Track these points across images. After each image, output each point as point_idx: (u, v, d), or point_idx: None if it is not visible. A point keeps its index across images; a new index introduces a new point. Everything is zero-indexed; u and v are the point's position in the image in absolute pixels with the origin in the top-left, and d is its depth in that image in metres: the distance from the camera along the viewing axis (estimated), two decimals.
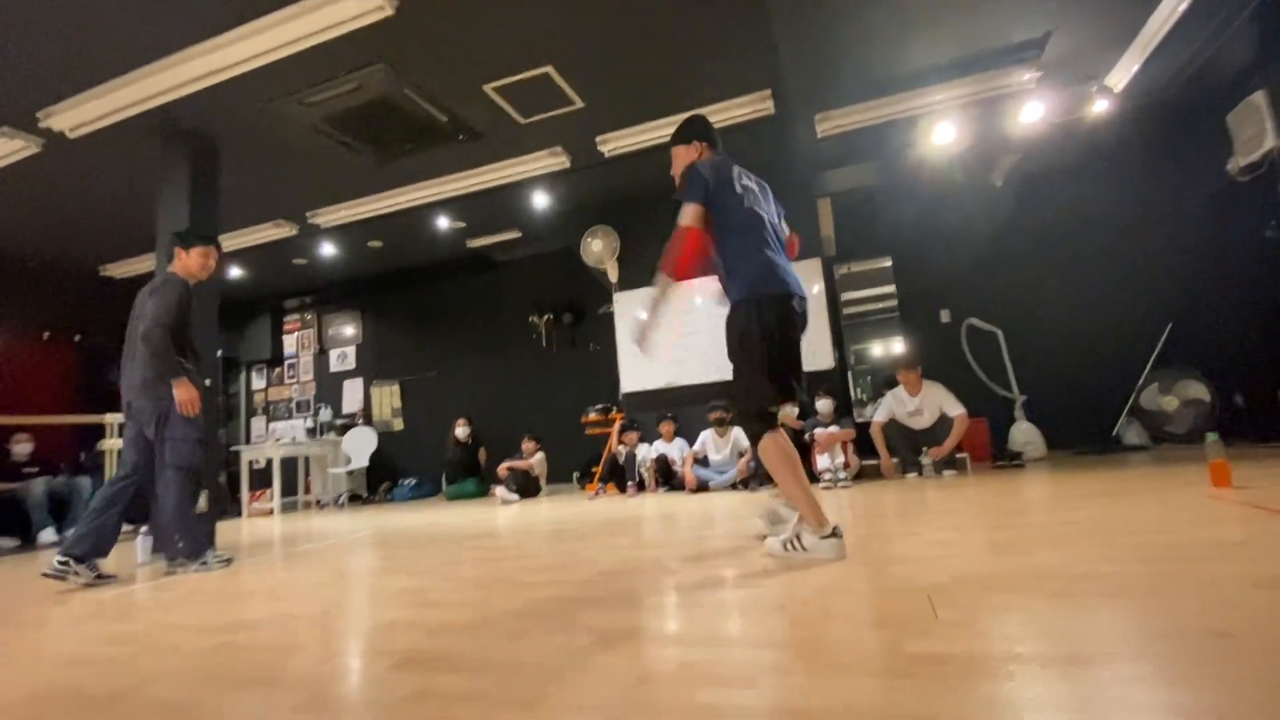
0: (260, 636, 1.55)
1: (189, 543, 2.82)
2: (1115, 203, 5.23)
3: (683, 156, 2.26)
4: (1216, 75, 4.32)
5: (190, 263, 2.97)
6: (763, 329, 1.97)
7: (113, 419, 5.33)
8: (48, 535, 4.94)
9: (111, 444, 5.21)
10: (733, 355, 2.04)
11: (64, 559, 2.57)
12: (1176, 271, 4.98)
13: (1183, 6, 3.56)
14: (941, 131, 4.68)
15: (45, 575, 2.59)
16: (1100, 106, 4.47)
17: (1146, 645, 0.99)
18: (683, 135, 2.27)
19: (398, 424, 7.99)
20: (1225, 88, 4.33)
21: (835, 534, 1.88)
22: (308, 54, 3.47)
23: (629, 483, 5.17)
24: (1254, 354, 4.52)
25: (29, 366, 6.29)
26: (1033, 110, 4.47)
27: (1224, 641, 0.96)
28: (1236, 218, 4.56)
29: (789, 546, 1.94)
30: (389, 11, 3.19)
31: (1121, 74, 4.26)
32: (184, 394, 2.79)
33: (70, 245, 5.93)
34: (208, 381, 3.12)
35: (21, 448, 5.29)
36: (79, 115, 3.82)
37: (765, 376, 1.97)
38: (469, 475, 6.47)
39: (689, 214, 2.04)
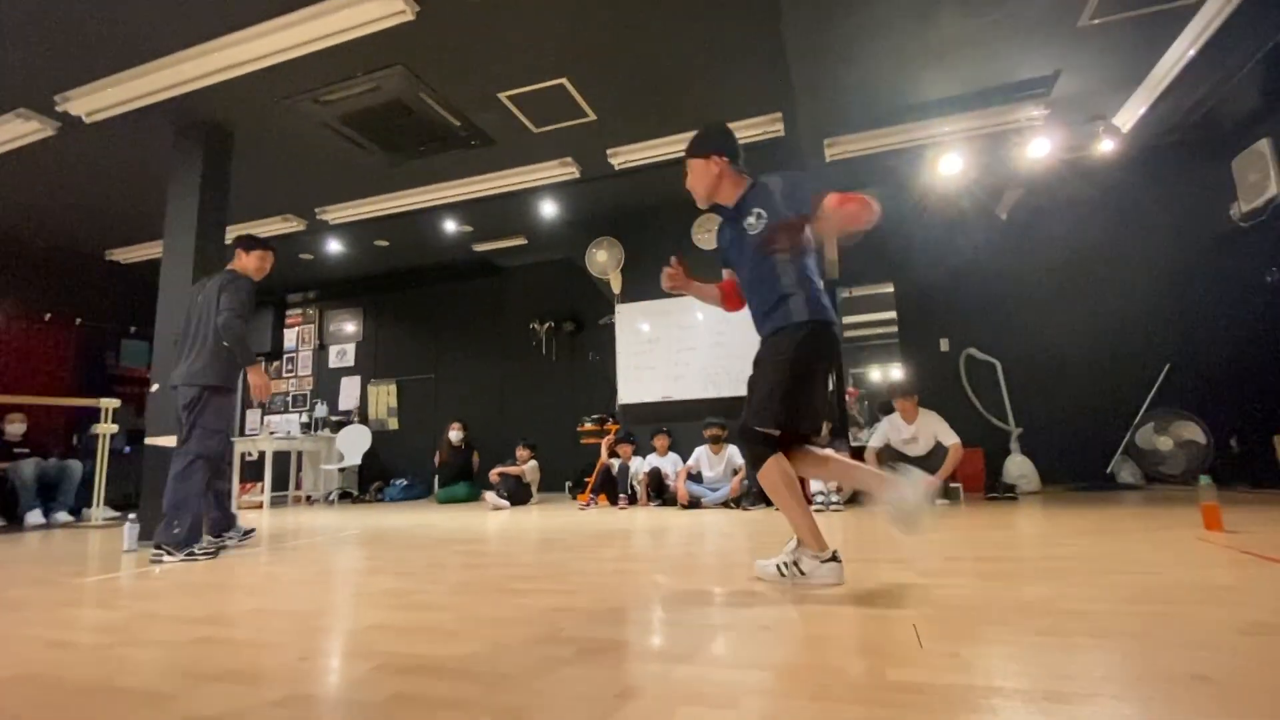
0: (241, 631, 1.55)
1: (184, 529, 2.86)
2: (1119, 241, 5.27)
3: (700, 171, 2.09)
4: (1223, 120, 4.37)
5: (249, 263, 3.26)
6: (813, 358, 1.92)
7: (108, 403, 5.33)
8: (34, 517, 4.93)
9: (105, 428, 5.20)
10: (769, 372, 1.93)
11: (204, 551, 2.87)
12: (1176, 313, 5.01)
13: (1191, 52, 3.61)
14: (948, 162, 4.72)
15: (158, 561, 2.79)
16: (1106, 146, 4.52)
17: (1128, 686, 0.99)
18: (700, 148, 2.08)
19: (393, 423, 7.98)
20: (1231, 133, 4.39)
21: (835, 558, 1.86)
22: (328, 53, 3.51)
23: (621, 495, 5.16)
24: (1250, 399, 4.53)
25: (28, 347, 6.30)
26: (1040, 146, 4.52)
27: (1205, 685, 0.96)
28: (1238, 262, 4.60)
29: (784, 570, 1.89)
30: (410, 16, 3.23)
31: (1129, 115, 4.31)
32: (257, 379, 3.03)
33: (78, 229, 5.96)
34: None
35: (14, 427, 5.28)
36: (97, 101, 3.86)
37: (792, 405, 1.89)
38: (461, 479, 6.45)
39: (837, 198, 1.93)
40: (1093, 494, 4.48)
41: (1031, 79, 4.03)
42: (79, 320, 6.67)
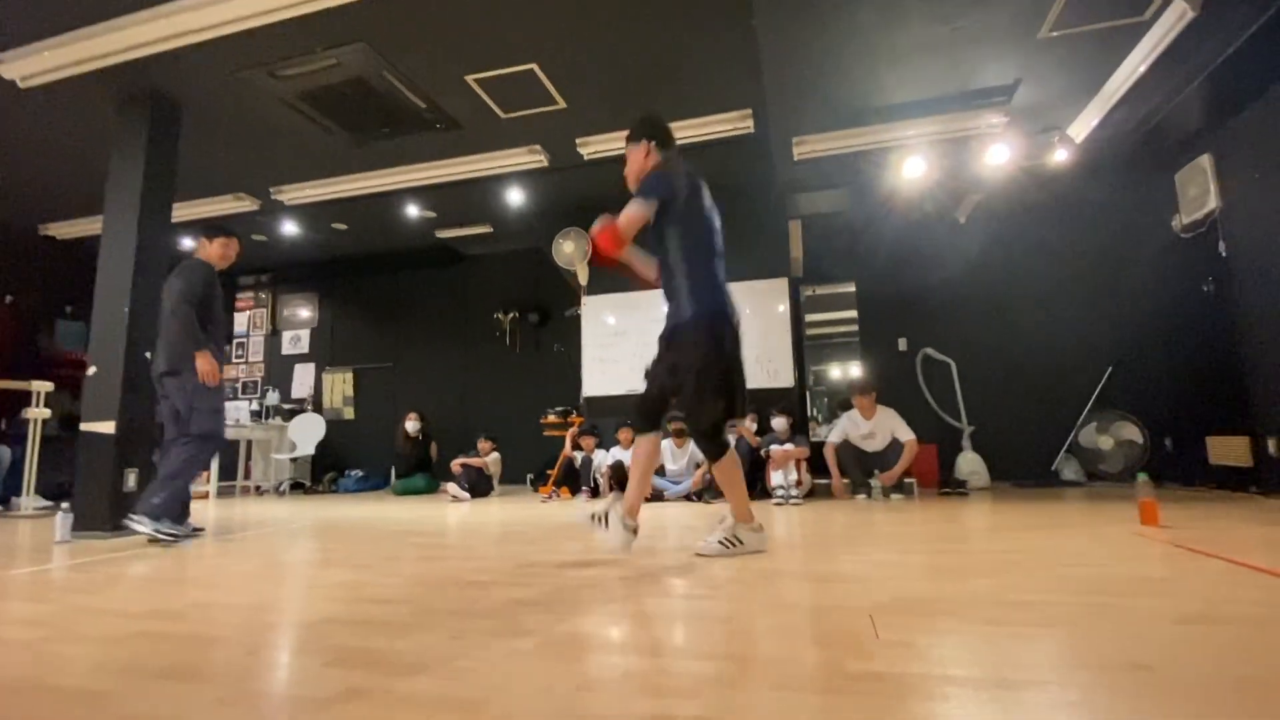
0: (184, 626, 1.48)
1: (163, 502, 2.90)
2: (1069, 247, 5.49)
3: (632, 155, 2.27)
4: (1168, 135, 4.58)
5: (211, 251, 3.28)
6: (723, 354, 2.11)
7: (40, 386, 5.04)
8: None
9: (37, 413, 4.92)
10: (690, 375, 2.11)
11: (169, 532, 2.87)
12: (1121, 317, 5.25)
13: (1143, 67, 3.76)
14: (912, 165, 4.83)
15: (154, 541, 2.86)
16: (1061, 155, 4.68)
17: (1072, 674, 1.03)
18: (634, 135, 2.27)
19: (349, 413, 7.77)
20: (1176, 147, 4.60)
21: (760, 528, 2.23)
22: (286, 24, 3.36)
23: (584, 487, 5.14)
24: (1186, 401, 4.78)
25: None
26: (999, 153, 4.66)
27: (1143, 673, 1.01)
28: (1178, 271, 4.83)
29: (727, 543, 2.18)
30: None
31: (1082, 126, 4.47)
32: (204, 365, 3.03)
33: (11, 200, 5.60)
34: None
35: None
36: (33, 65, 3.62)
37: (724, 399, 2.12)
38: (419, 470, 6.33)
39: (638, 211, 2.07)
40: (1038, 490, 4.67)
41: (993, 87, 4.15)
42: (9, 298, 6.28)
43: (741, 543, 2.17)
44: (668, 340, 2.21)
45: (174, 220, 4.24)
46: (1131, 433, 4.78)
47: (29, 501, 4.80)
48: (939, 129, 4.57)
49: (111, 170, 3.89)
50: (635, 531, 2.19)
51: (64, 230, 6.23)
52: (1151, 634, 1.22)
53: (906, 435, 4.38)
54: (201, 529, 3.28)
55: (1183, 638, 1.20)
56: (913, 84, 4.13)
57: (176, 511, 2.98)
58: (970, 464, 5.04)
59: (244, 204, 5.73)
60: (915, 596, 1.57)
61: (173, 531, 2.88)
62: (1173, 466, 4.76)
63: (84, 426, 3.51)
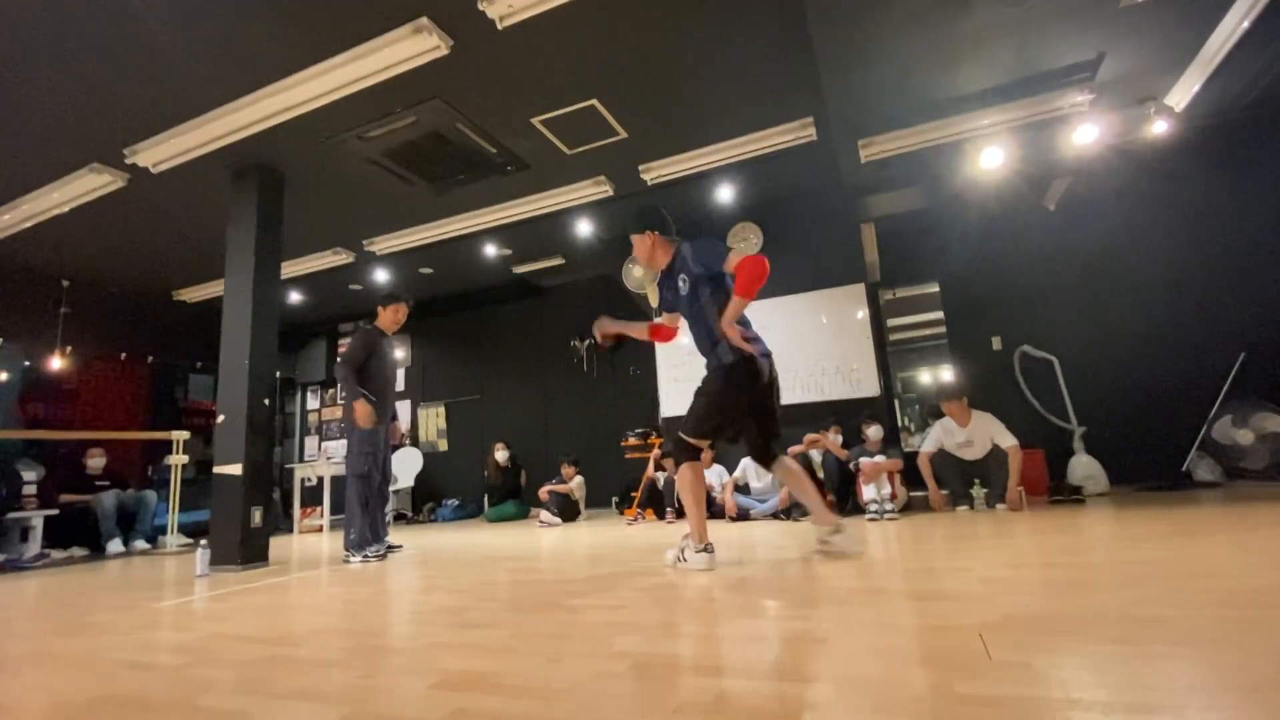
0: (306, 651, 1.60)
1: (354, 537, 3.60)
2: (1178, 227, 5.01)
3: (638, 244, 2.66)
4: None
5: (384, 318, 3.99)
6: (740, 391, 2.53)
7: (179, 435, 5.62)
8: (115, 546, 5.21)
9: (177, 459, 5.49)
10: (708, 399, 2.54)
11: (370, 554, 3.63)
12: (1248, 299, 4.71)
13: (1245, 25, 3.43)
14: (990, 155, 4.58)
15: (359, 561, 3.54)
16: (1159, 128, 4.31)
17: (1218, 696, 0.93)
18: (636, 226, 2.66)
19: (442, 445, 8.16)
20: None
21: (708, 549, 2.47)
22: (368, 92, 3.67)
23: (668, 509, 5.13)
24: None
25: (106, 385, 6.71)
26: (1086, 133, 4.34)
27: None
28: None
29: (678, 559, 2.50)
30: (444, 50, 3.35)
31: (1181, 94, 4.11)
32: (360, 410, 3.63)
33: (146, 271, 6.34)
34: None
35: (95, 461, 5.62)
36: (161, 152, 4.12)
37: (710, 425, 2.56)
38: (510, 497, 6.54)
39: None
40: (1168, 494, 4.23)
41: (1074, 64, 3.89)
42: (150, 358, 7.08)
43: (685, 560, 2.47)
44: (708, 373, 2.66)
45: (283, 277, 4.67)
46: (1277, 424, 4.25)
47: (173, 540, 5.34)
48: (1017, 115, 4.32)
49: (229, 237, 4.34)
50: (710, 549, 2.47)
51: (192, 294, 6.98)
52: None
53: (1008, 441, 4.09)
54: (399, 545, 4.12)
55: None
56: (984, 71, 3.94)
57: (370, 538, 3.66)
58: (1085, 468, 4.64)
59: (341, 257, 6.21)
60: (1030, 614, 1.46)
61: (375, 552, 3.63)
62: None
63: (216, 470, 3.89)
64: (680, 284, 2.57)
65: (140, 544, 5.38)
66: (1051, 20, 3.48)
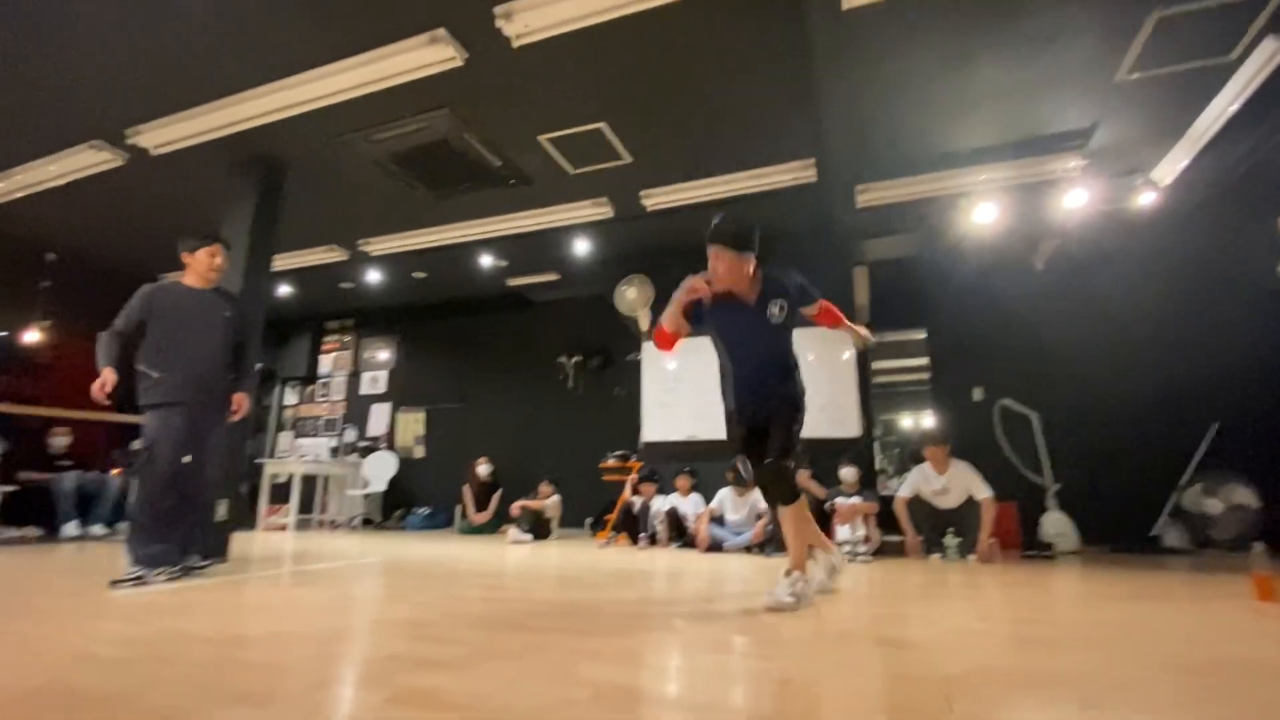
0: (259, 654, 1.55)
1: (139, 546, 2.76)
2: (1160, 295, 5.13)
3: (735, 264, 2.35)
4: (1267, 177, 4.28)
5: (192, 268, 3.21)
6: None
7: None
8: (70, 529, 5.05)
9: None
10: (794, 426, 2.40)
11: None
12: (1223, 370, 4.81)
13: (1234, 107, 3.57)
14: (983, 211, 4.70)
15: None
16: (1146, 200, 4.45)
17: None
18: (744, 244, 2.35)
19: (419, 451, 8.06)
20: (1276, 190, 4.28)
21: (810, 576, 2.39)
22: (381, 95, 3.69)
23: (641, 535, 5.09)
24: None
25: (78, 363, 6.55)
26: (1077, 197, 4.47)
27: None
28: None
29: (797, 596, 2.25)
30: (459, 62, 3.40)
31: (1169, 168, 4.25)
32: (101, 379, 2.94)
33: (133, 252, 6.25)
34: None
35: (58, 440, 5.47)
36: (164, 135, 4.10)
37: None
38: (483, 511, 6.44)
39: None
40: (1136, 557, 4.27)
41: (1068, 131, 4.02)
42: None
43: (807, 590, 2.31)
44: (782, 400, 2.48)
45: (273, 270, 4.63)
46: (1244, 496, 4.32)
47: None
48: (1011, 174, 4.44)
49: (224, 224, 4.30)
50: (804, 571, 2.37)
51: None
52: None
53: (983, 492, 4.12)
54: (205, 563, 3.05)
55: None
56: (981, 130, 4.06)
57: (163, 553, 2.79)
58: (1057, 525, 4.67)
59: (335, 254, 6.19)
60: (995, 668, 1.46)
61: (153, 574, 2.72)
62: None
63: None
64: (775, 312, 2.40)
65: (97, 529, 5.22)
66: (1048, 88, 3.61)
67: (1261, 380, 4.64)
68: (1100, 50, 3.29)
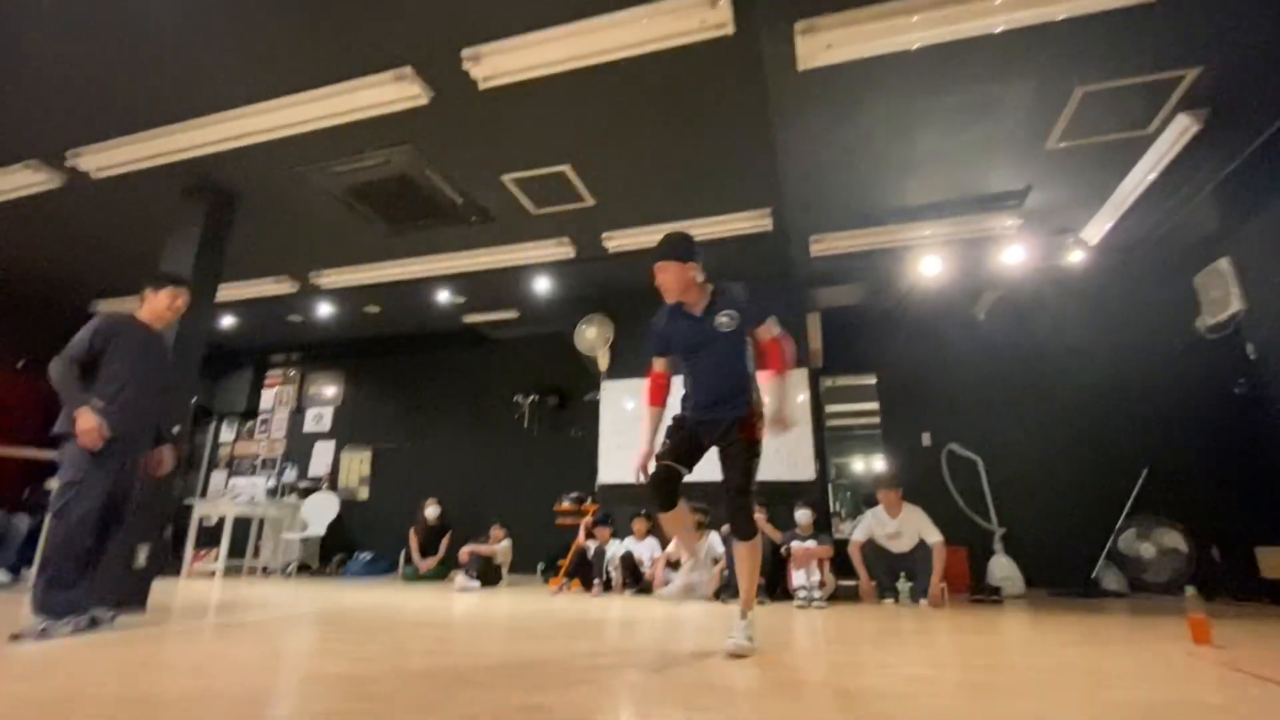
0: (169, 717, 1.41)
1: (45, 594, 2.57)
2: (1094, 344, 5.44)
3: (677, 273, 2.40)
4: (1185, 238, 4.64)
5: (151, 305, 3.08)
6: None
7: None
8: None
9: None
10: (754, 450, 2.36)
11: None
12: (1152, 417, 5.09)
13: (1152, 175, 3.88)
14: (929, 263, 4.93)
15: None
16: (1077, 256, 4.76)
17: None
18: (683, 253, 2.40)
19: (363, 493, 7.71)
20: (1193, 250, 4.64)
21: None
22: (342, 129, 3.65)
23: (595, 580, 4.95)
24: (1230, 508, 4.55)
25: None
26: (1014, 253, 4.75)
27: None
28: (1207, 371, 4.75)
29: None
30: (424, 100, 3.41)
31: (1096, 229, 4.57)
32: (82, 421, 2.77)
33: (67, 279, 5.93)
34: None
35: None
36: (107, 159, 3.94)
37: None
38: (430, 556, 6.16)
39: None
40: (1077, 600, 4.38)
41: (1005, 192, 4.30)
42: (20, 362, 6.46)
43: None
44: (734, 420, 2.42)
45: (216, 300, 4.44)
46: (1175, 540, 4.52)
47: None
48: (954, 230, 4.69)
49: (166, 253, 4.13)
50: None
51: (112, 307, 6.54)
52: None
53: (934, 537, 4.18)
54: (111, 615, 2.80)
55: None
56: (926, 188, 4.29)
57: (71, 602, 2.60)
58: (1003, 569, 4.78)
59: (284, 286, 5.99)
60: (950, 716, 1.45)
61: (61, 625, 2.51)
62: (1223, 578, 4.46)
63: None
64: (725, 320, 2.39)
65: (0, 575, 4.77)
66: (984, 153, 3.87)
67: (1186, 427, 4.92)
68: (1031, 120, 3.55)
